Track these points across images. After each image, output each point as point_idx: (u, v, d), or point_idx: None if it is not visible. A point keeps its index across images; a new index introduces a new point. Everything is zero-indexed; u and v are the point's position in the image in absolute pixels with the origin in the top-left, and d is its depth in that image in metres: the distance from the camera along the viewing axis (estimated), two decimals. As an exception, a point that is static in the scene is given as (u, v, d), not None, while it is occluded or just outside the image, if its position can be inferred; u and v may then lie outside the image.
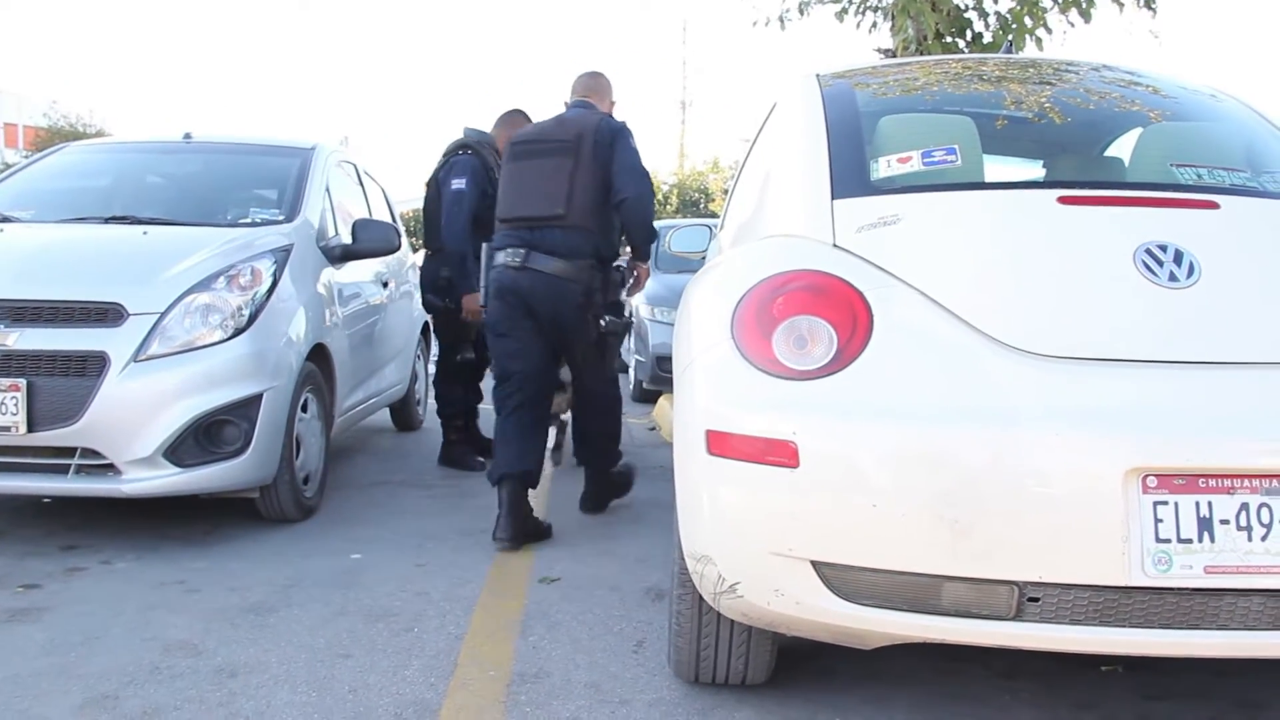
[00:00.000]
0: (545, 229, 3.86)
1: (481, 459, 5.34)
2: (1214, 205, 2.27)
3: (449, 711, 2.43)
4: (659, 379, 7.44)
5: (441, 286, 5.19)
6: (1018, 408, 1.92)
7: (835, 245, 2.23)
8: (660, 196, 33.72)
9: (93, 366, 3.54)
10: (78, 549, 3.70)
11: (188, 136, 5.32)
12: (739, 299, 2.16)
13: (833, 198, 2.36)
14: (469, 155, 5.13)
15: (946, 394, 1.96)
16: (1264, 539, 1.85)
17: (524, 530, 3.84)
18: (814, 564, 1.98)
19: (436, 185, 5.18)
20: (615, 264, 4.08)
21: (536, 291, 3.85)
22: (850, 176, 2.44)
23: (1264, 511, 1.86)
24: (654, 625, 3.01)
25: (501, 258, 3.90)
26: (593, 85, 4.26)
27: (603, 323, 3.96)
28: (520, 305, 3.89)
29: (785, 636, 2.34)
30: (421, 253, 5.63)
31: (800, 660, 2.69)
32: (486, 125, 5.30)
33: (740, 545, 2.06)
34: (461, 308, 5.06)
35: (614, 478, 4.40)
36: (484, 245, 4.12)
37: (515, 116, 5.11)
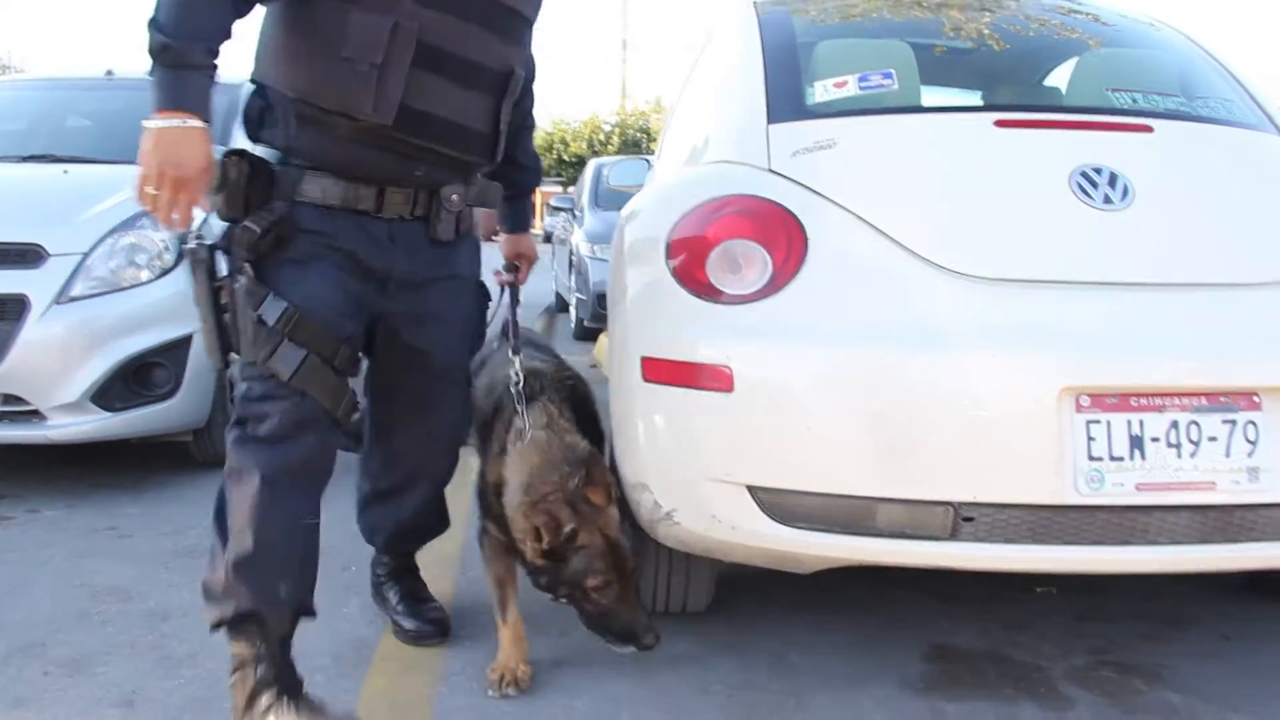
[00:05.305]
0: None
1: None
2: (1148, 129, 2.27)
3: (387, 648, 2.41)
4: (600, 316, 7.39)
5: None
6: (952, 330, 1.92)
7: (770, 170, 2.20)
8: (602, 137, 33.43)
9: (12, 310, 3.42)
10: (4, 499, 3.60)
11: (109, 73, 5.11)
12: (673, 224, 2.12)
13: (768, 122, 2.32)
14: None
15: (881, 317, 1.95)
16: (1193, 456, 1.87)
17: None
18: (750, 489, 1.97)
19: None
20: None
21: None
22: (786, 101, 2.39)
23: (1193, 429, 1.88)
24: (595, 559, 3.00)
25: None
26: None
27: None
28: None
29: (725, 564, 2.34)
30: None
31: (740, 588, 2.70)
32: None
33: (676, 472, 2.05)
34: None
35: None
36: None
37: None
